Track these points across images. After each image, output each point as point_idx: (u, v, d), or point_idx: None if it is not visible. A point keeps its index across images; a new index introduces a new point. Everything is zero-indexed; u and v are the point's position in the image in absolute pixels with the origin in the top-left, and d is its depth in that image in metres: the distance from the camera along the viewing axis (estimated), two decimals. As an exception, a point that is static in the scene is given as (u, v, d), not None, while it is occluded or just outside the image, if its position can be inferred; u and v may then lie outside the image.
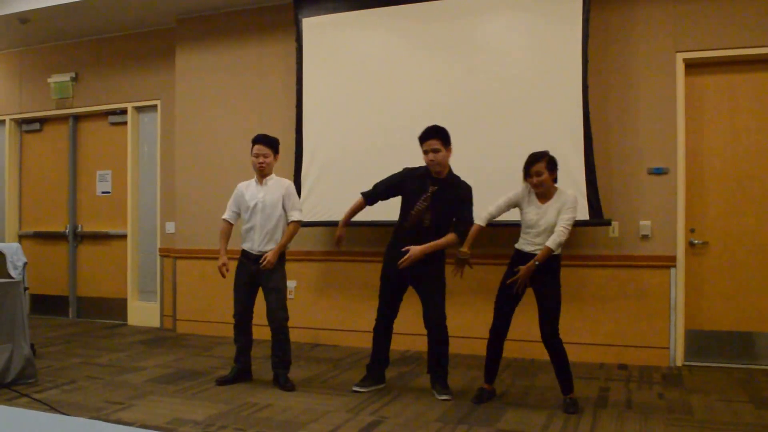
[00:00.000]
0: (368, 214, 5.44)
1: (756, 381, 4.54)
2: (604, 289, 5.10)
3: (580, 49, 4.96)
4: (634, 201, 5.11)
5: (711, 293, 5.05)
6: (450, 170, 4.20)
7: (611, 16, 5.21)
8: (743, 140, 5.02)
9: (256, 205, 4.44)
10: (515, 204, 3.99)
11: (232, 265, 4.52)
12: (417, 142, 5.40)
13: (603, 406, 3.93)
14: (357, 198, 4.36)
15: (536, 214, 3.89)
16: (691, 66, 5.08)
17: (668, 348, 5.00)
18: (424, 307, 4.18)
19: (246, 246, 4.47)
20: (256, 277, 4.42)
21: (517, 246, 4.00)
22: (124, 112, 7.22)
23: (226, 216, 4.60)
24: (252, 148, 4.52)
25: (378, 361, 4.34)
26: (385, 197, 4.36)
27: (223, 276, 4.47)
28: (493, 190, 4.23)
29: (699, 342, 5.05)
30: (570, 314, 4.94)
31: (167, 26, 6.88)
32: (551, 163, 3.85)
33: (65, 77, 7.39)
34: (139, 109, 7.19)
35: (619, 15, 5.20)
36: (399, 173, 4.31)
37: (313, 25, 5.85)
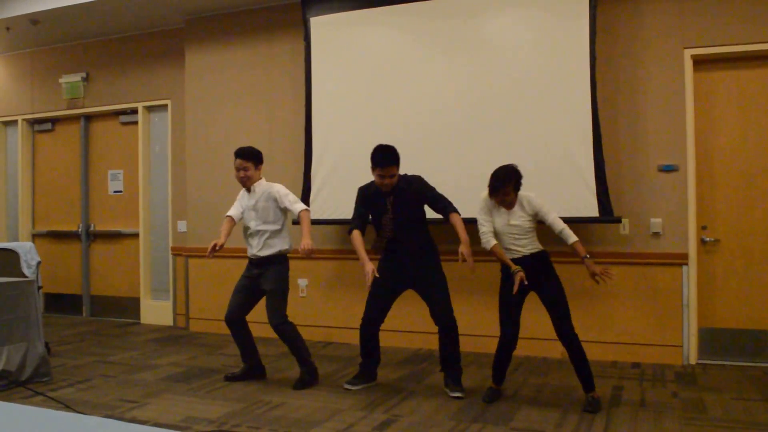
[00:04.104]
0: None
1: (770, 379, 4.52)
2: (616, 287, 5.07)
3: (587, 46, 4.94)
4: (644, 198, 5.08)
5: (724, 291, 5.02)
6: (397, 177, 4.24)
7: (618, 13, 5.18)
8: (753, 136, 4.98)
9: (248, 212, 4.55)
10: (491, 214, 3.99)
11: (238, 266, 4.51)
12: (425, 139, 5.44)
13: (616, 404, 3.92)
14: (354, 236, 4.25)
15: (506, 221, 3.92)
16: (699, 62, 5.05)
17: (681, 346, 4.97)
18: (430, 305, 4.21)
19: (248, 252, 4.58)
20: (256, 281, 4.48)
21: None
22: (134, 111, 7.26)
23: (229, 213, 4.66)
24: (234, 161, 4.55)
25: (374, 361, 4.40)
26: (368, 218, 4.37)
27: (214, 251, 4.43)
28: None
29: (712, 340, 5.02)
30: (582, 312, 4.94)
31: (176, 26, 6.91)
32: (518, 183, 3.89)
33: (76, 77, 7.43)
34: (150, 109, 7.23)
35: (625, 11, 5.17)
36: (360, 196, 4.34)
37: (321, 24, 5.86)
